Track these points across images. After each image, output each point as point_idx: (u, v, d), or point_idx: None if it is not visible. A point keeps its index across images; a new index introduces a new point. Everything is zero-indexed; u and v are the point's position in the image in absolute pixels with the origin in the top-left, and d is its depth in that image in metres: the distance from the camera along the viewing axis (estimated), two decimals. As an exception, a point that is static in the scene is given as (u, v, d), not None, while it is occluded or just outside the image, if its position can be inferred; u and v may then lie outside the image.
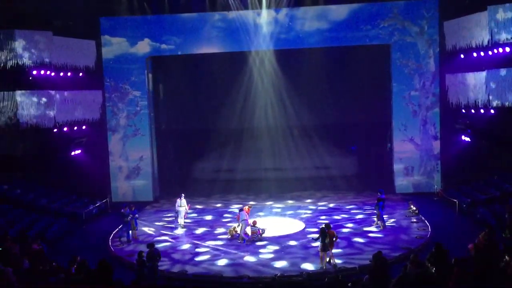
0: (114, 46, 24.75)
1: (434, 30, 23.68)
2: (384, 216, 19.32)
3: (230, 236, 18.33)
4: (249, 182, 25.70)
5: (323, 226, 15.72)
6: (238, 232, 18.05)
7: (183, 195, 20.40)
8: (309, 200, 23.92)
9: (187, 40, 24.55)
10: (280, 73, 25.08)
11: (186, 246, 17.93)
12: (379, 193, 19.09)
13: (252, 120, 25.80)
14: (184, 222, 20.24)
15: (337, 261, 15.53)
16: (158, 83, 26.81)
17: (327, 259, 15.30)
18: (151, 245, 14.71)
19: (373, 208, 19.99)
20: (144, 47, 24.72)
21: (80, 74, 24.03)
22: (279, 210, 22.37)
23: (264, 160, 26.12)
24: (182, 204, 20.01)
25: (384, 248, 16.58)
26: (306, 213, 21.67)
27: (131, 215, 18.84)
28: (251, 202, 22.19)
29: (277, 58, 25.00)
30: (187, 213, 20.54)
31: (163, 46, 24.63)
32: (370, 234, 18.39)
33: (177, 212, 20.09)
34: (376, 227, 19.09)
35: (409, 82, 24.17)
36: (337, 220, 20.37)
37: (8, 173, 23.21)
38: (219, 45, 24.45)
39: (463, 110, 22.78)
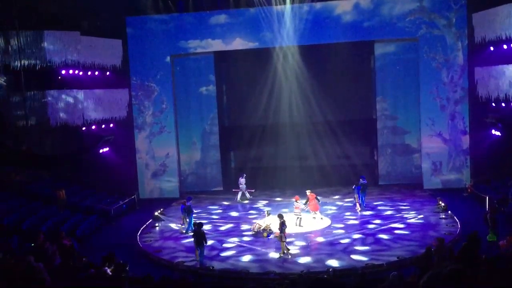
0: (139, 44, 25.10)
1: (463, 23, 23.18)
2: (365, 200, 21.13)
3: (254, 233, 18.38)
4: (275, 179, 25.59)
5: (281, 214, 16.60)
6: (263, 227, 18.15)
7: (244, 174, 23.75)
8: (336, 196, 23.74)
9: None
10: (304, 67, 24.96)
11: (212, 242, 18.07)
12: (361, 179, 20.83)
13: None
14: (241, 200, 23.59)
15: (363, 258, 15.42)
16: (222, 81, 26.68)
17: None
18: (199, 224, 16.20)
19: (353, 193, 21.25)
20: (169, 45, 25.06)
21: (107, 73, 24.40)
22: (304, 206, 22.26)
23: (292, 157, 26.00)
24: (241, 183, 23.51)
25: (412, 245, 16.47)
26: (332, 209, 21.59)
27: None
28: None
29: (301, 53, 24.85)
30: (244, 191, 23.66)
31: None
32: (397, 231, 18.18)
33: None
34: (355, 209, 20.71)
35: (437, 75, 23.76)
36: (364, 216, 20.22)
37: (39, 170, 23.77)
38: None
39: (493, 104, 22.23)
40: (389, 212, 20.62)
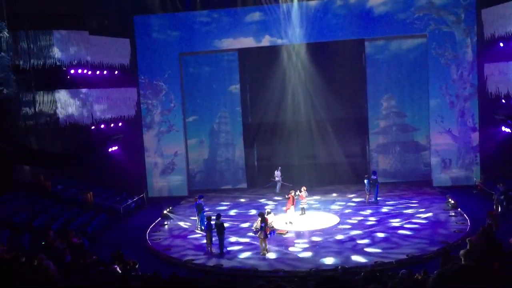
0: (148, 43, 25.16)
1: (472, 19, 22.99)
2: (377, 194, 21.83)
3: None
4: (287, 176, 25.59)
5: (264, 212, 17.01)
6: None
7: (280, 167, 24.19)
8: (351, 195, 23.52)
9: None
10: (312, 65, 24.92)
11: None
12: (372, 175, 21.88)
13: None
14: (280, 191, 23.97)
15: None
16: (245, 79, 26.40)
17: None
18: (218, 216, 16.70)
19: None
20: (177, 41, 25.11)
21: (116, 72, 24.50)
22: (316, 204, 22.23)
23: (303, 155, 25.99)
24: (276, 175, 24.14)
25: (421, 243, 16.40)
26: (341, 207, 21.55)
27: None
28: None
29: (310, 50, 24.79)
30: (280, 183, 24.11)
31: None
32: (403, 231, 18.10)
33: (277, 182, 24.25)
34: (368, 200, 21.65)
35: (446, 72, 23.60)
36: (374, 214, 20.15)
37: (49, 169, 23.93)
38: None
39: (503, 100, 22.03)
40: (398, 210, 20.52)
